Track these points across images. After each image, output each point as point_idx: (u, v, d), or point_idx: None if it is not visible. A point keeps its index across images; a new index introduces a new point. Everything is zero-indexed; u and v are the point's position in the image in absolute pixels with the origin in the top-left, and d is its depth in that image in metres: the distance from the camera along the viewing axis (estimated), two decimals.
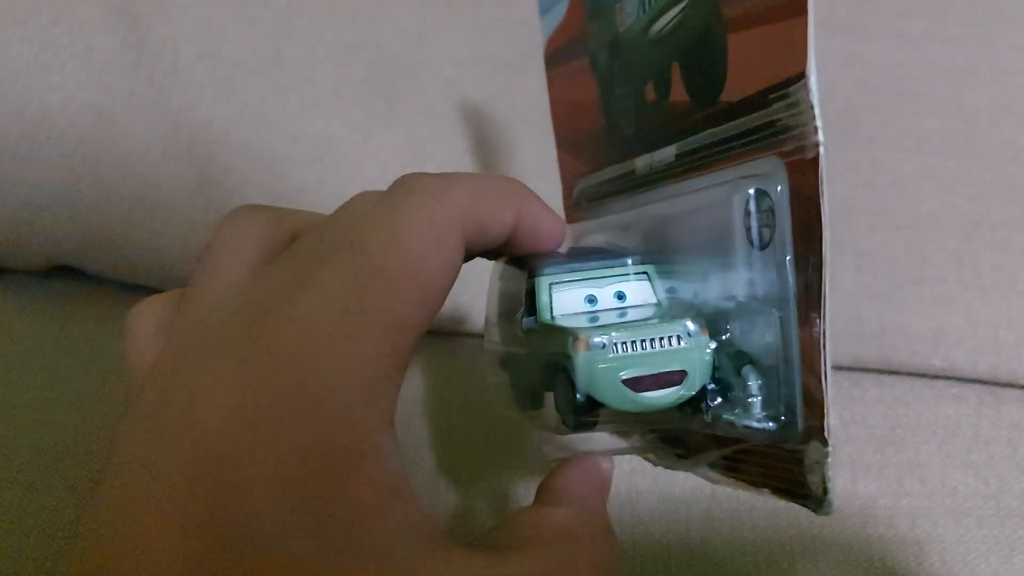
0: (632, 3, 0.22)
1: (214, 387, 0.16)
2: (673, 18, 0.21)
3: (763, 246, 0.18)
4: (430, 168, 0.37)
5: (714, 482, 0.21)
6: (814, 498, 0.18)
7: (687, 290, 0.20)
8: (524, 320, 0.21)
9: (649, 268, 0.21)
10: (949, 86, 0.39)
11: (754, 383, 0.18)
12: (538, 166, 0.37)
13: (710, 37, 0.20)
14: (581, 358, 0.18)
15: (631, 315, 0.20)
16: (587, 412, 0.19)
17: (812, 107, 0.16)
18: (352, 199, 0.19)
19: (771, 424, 0.18)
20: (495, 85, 0.39)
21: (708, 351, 0.19)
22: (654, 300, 0.21)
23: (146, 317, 0.20)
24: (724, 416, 0.19)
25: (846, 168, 0.37)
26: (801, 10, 0.16)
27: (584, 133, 0.26)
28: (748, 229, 0.18)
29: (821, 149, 0.16)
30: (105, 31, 0.36)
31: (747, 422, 0.18)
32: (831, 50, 0.41)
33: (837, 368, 0.32)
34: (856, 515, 0.29)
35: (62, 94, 0.35)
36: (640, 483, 0.29)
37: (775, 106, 0.17)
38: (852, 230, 0.35)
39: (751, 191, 0.18)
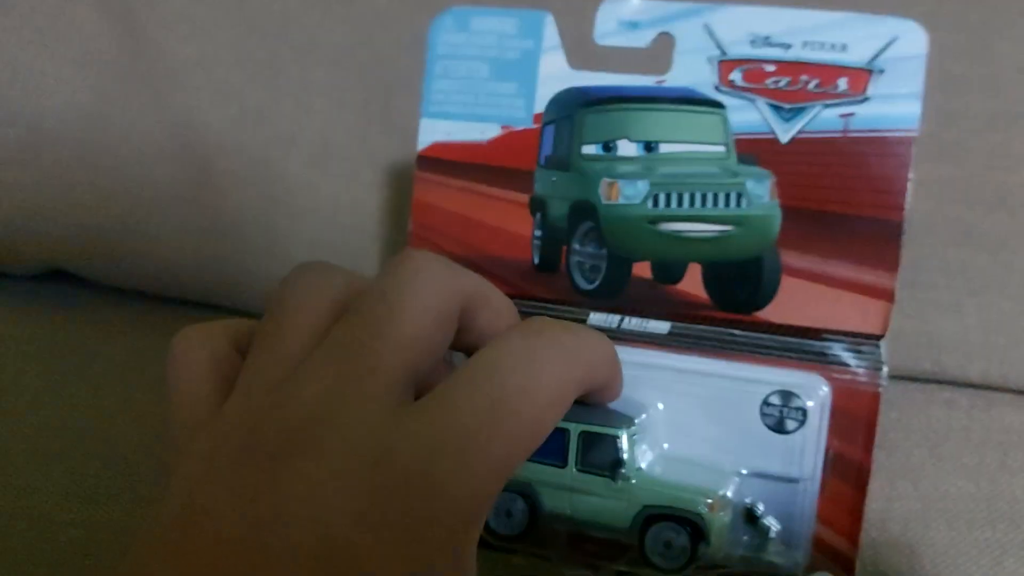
0: (635, 188, 0.24)
1: (342, 486, 0.16)
2: (706, 231, 0.23)
3: (784, 432, 0.22)
4: None
5: None
6: None
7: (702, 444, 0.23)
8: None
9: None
10: (940, 93, 0.39)
11: (773, 525, 0.22)
12: None
13: (759, 266, 0.23)
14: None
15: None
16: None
17: (883, 363, 0.22)
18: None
19: (780, 560, 0.22)
20: None
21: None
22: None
23: (198, 353, 0.20)
24: (738, 553, 0.22)
25: None
26: (889, 297, 0.22)
27: (489, 254, 0.26)
28: (777, 419, 0.22)
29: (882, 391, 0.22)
30: (102, 35, 0.36)
31: (763, 556, 0.22)
32: None
33: None
34: None
35: (58, 98, 0.35)
36: None
37: (834, 344, 0.22)
38: None
39: (791, 389, 0.22)
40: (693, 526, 0.22)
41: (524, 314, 0.20)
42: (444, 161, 0.26)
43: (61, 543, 0.29)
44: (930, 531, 0.29)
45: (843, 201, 0.22)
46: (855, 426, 0.22)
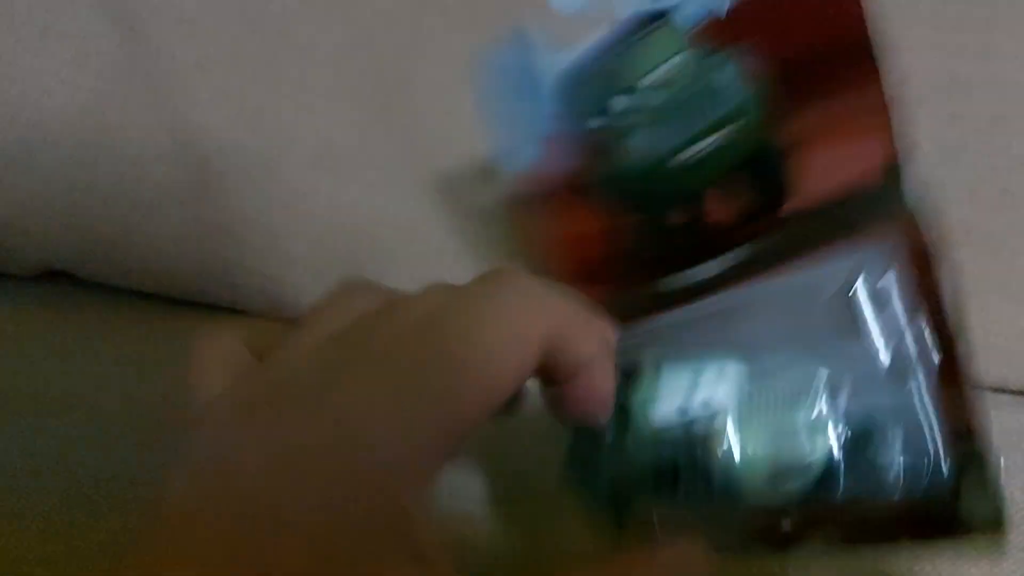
0: (640, 139, 0.22)
1: (265, 443, 0.16)
2: (705, 148, 0.21)
3: (866, 324, 0.19)
4: (425, 176, 0.37)
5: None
6: (980, 521, 0.18)
7: (784, 378, 0.20)
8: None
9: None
10: (943, 94, 0.39)
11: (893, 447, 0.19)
12: None
13: (764, 157, 0.21)
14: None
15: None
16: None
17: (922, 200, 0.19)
18: (443, 284, 0.19)
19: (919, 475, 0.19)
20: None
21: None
22: None
23: (219, 348, 0.20)
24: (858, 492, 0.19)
25: None
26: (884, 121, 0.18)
27: (588, 263, 0.25)
28: (860, 310, 0.19)
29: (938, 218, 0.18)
30: (101, 36, 0.36)
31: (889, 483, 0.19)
32: None
33: None
34: None
35: (58, 99, 0.35)
36: None
37: (865, 198, 0.19)
38: None
39: (860, 275, 0.19)
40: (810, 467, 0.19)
41: None
42: (529, 195, 0.26)
43: (59, 545, 0.29)
44: None
45: (815, 47, 0.20)
46: (930, 272, 0.19)
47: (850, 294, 0.19)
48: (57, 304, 0.36)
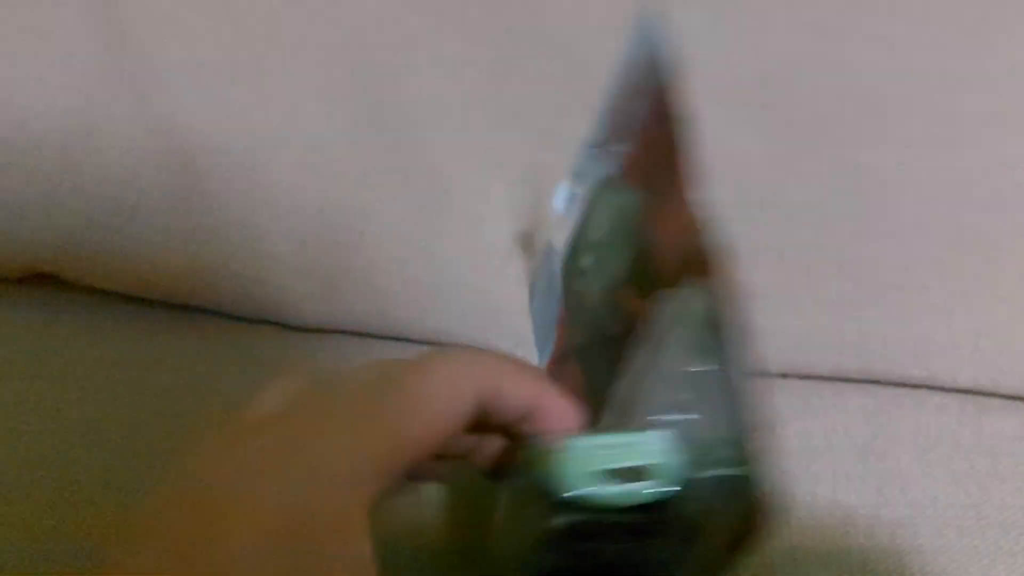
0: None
1: (228, 458, 0.19)
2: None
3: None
4: (413, 176, 0.37)
5: None
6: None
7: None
8: None
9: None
10: (937, 93, 0.39)
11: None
12: (520, 171, 0.37)
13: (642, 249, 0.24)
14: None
15: None
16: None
17: None
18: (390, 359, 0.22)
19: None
20: (480, 91, 0.39)
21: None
22: None
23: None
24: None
25: (830, 174, 0.37)
26: None
27: None
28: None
29: None
30: (86, 37, 0.36)
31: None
32: (818, 54, 0.41)
33: (818, 378, 0.32)
34: (837, 525, 0.29)
35: (42, 100, 0.35)
36: None
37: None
38: (835, 237, 0.35)
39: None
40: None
41: None
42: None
43: (47, 549, 0.29)
44: (919, 538, 0.29)
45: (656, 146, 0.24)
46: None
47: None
48: (42, 307, 0.36)
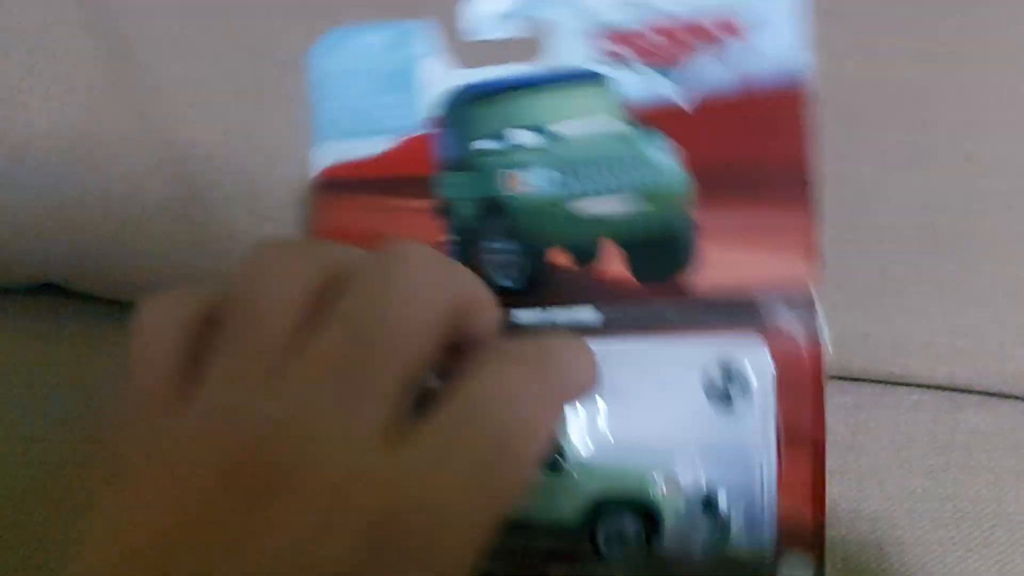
0: (539, 175, 0.23)
1: (335, 531, 0.15)
2: (617, 206, 0.23)
3: (730, 405, 0.21)
4: None
5: None
6: None
7: (648, 430, 0.22)
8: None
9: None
10: (913, 101, 0.40)
11: (735, 515, 0.21)
12: None
13: (672, 235, 0.23)
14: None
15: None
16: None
17: (820, 319, 0.22)
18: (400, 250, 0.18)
19: (746, 549, 0.20)
20: None
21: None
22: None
23: (166, 321, 0.18)
24: (699, 548, 0.21)
25: None
26: (809, 245, 0.22)
27: None
28: (721, 391, 0.21)
29: (827, 349, 0.22)
30: (88, 53, 0.37)
31: (726, 549, 0.21)
32: None
33: None
34: None
35: (46, 116, 0.35)
36: None
37: (762, 302, 0.22)
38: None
39: (727, 357, 0.22)
40: (646, 513, 0.21)
41: None
42: (341, 181, 0.26)
43: (53, 557, 0.30)
44: (897, 530, 0.30)
45: (753, 158, 0.23)
46: (803, 391, 0.22)
47: (708, 369, 0.22)
48: (49, 316, 0.36)
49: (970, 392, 0.33)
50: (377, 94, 0.25)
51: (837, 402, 0.33)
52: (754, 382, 0.21)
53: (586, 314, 0.23)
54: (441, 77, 0.25)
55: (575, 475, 0.21)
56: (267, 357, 0.17)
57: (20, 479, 0.31)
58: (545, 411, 0.17)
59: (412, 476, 0.15)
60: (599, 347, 0.21)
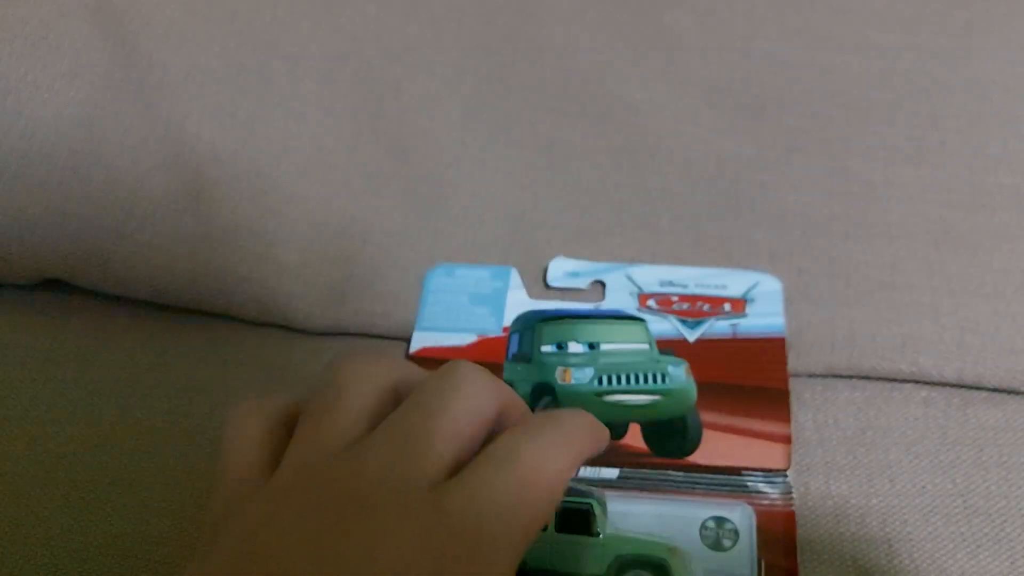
0: (585, 373, 0.32)
1: (401, 543, 0.18)
2: (640, 400, 0.32)
3: (722, 550, 0.28)
4: (414, 182, 0.38)
5: None
6: None
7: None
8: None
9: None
10: (921, 96, 0.40)
11: None
12: (520, 179, 0.38)
13: (685, 425, 0.31)
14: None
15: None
16: None
17: (791, 491, 0.30)
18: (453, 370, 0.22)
19: None
20: (477, 98, 0.40)
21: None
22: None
23: (253, 424, 0.22)
24: None
25: (820, 177, 0.38)
26: (787, 440, 0.31)
27: None
28: (714, 539, 0.29)
29: (796, 511, 0.29)
30: (93, 47, 0.37)
31: None
32: (805, 60, 0.41)
33: (810, 376, 0.33)
34: (829, 515, 0.30)
35: (51, 110, 0.35)
36: None
37: (749, 477, 0.30)
38: (826, 238, 0.36)
39: (723, 515, 0.29)
40: (659, 568, 0.28)
41: None
42: (430, 359, 0.33)
43: (59, 550, 0.30)
44: (907, 526, 0.30)
45: (741, 377, 0.32)
46: (778, 540, 0.29)
47: (705, 524, 0.29)
48: (54, 312, 0.36)
49: (980, 388, 0.33)
50: (473, 306, 0.35)
51: (847, 398, 0.33)
52: (742, 533, 0.29)
53: (609, 472, 0.31)
54: (522, 302, 0.35)
55: (603, 538, 0.29)
56: (343, 429, 0.21)
57: (26, 474, 0.31)
58: (560, 459, 0.21)
59: (462, 507, 0.19)
60: (620, 506, 0.29)
